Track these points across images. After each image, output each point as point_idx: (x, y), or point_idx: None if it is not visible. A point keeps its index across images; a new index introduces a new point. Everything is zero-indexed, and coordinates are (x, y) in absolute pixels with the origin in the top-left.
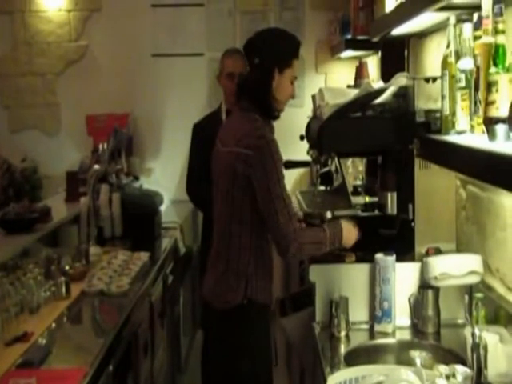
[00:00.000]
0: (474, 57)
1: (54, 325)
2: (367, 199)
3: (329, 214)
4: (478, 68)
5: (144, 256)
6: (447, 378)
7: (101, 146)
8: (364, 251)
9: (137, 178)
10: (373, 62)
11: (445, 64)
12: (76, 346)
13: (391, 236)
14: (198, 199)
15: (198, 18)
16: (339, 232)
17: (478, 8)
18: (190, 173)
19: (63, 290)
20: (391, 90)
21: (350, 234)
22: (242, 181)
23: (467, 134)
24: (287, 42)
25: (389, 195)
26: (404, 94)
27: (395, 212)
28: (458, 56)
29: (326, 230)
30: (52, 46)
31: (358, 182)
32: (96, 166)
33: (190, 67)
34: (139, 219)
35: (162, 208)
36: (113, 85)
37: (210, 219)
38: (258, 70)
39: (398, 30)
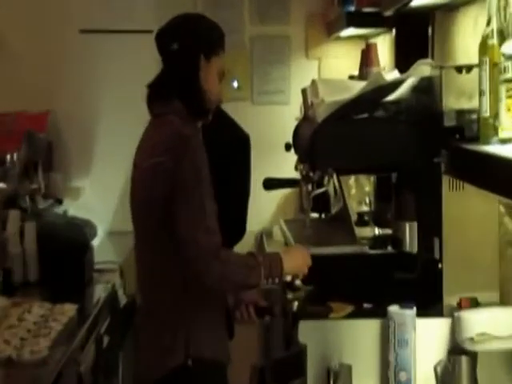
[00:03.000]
0: None
1: None
2: (377, 231)
3: None
4: None
5: (70, 310)
6: None
7: (9, 157)
8: (373, 302)
9: (59, 202)
10: (384, 45)
11: (484, 48)
12: None
13: (410, 281)
14: None
15: None
16: (277, 259)
17: None
18: None
19: None
20: (410, 82)
21: (294, 259)
22: (158, 200)
23: None
24: (212, 26)
25: (407, 226)
26: (427, 89)
27: (415, 249)
28: (503, 37)
29: (256, 256)
30: None
31: (365, 208)
32: (2, 185)
33: (135, 49)
34: (63, 258)
35: (95, 242)
36: (26, 73)
37: None
38: (177, 58)
39: (420, 1)
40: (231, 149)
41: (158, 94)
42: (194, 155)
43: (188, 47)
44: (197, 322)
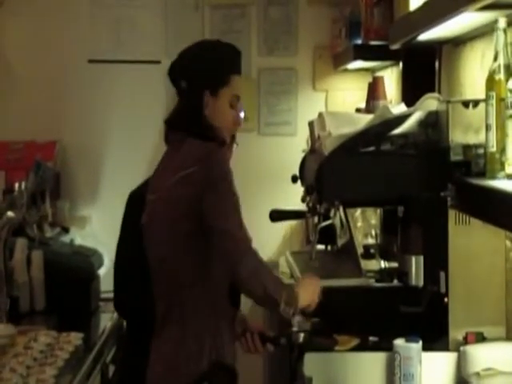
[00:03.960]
0: None
1: None
2: (383, 264)
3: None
4: None
5: (75, 338)
6: None
7: (17, 185)
8: (379, 335)
9: (66, 230)
10: (391, 78)
11: (491, 82)
12: None
13: (416, 315)
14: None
15: (153, 13)
16: (293, 292)
17: None
18: (120, 271)
19: None
20: (417, 116)
21: (307, 291)
22: (191, 203)
23: None
24: (219, 54)
25: (413, 259)
26: (434, 123)
27: (421, 283)
28: (510, 72)
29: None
30: None
31: (371, 241)
32: (10, 213)
33: (143, 79)
34: (69, 287)
35: (101, 272)
36: (34, 102)
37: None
38: (186, 96)
39: (427, 35)
40: None
41: (175, 126)
42: (221, 163)
43: (194, 85)
44: (219, 328)
